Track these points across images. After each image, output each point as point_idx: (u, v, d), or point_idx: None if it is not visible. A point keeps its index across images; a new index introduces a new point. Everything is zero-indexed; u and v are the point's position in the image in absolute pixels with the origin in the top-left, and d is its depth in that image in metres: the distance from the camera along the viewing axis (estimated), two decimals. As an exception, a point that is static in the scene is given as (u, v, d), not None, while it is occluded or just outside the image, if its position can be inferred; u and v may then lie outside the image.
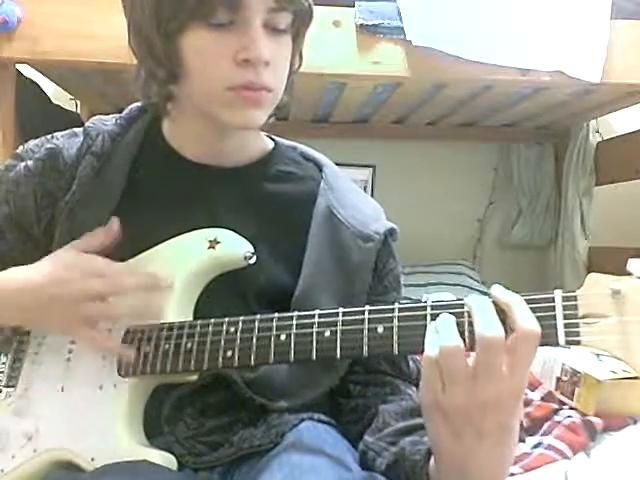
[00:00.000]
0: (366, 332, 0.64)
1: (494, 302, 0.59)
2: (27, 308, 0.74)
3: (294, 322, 0.67)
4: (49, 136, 0.85)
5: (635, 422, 1.14)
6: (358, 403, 0.80)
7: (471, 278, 2.37)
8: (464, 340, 0.58)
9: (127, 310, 0.73)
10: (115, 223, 0.78)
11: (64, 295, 0.71)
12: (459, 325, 0.59)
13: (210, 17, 0.72)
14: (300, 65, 0.85)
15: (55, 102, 2.08)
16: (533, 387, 1.25)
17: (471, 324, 0.58)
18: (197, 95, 0.77)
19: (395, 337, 0.62)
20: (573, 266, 2.33)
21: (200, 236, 0.77)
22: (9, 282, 0.75)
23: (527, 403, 1.17)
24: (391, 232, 0.84)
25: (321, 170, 0.88)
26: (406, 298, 0.89)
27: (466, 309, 0.60)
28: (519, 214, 2.58)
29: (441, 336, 0.58)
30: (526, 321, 0.56)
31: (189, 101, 0.79)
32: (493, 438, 0.59)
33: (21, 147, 0.86)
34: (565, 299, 0.57)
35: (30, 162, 0.82)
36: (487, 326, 0.56)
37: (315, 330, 0.65)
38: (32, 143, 0.86)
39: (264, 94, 0.75)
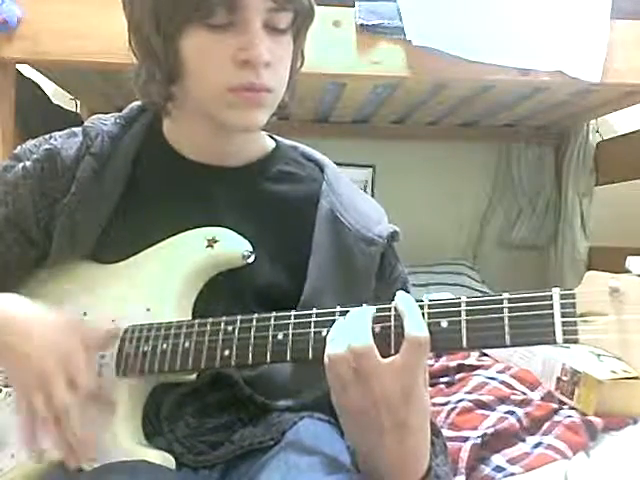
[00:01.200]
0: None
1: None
2: (7, 347, 0.71)
3: (291, 321, 0.67)
4: (47, 136, 0.85)
5: (635, 422, 1.14)
6: None
7: (471, 278, 2.37)
8: (461, 338, 0.59)
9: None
10: (116, 330, 0.75)
11: (35, 368, 0.68)
12: (454, 322, 0.60)
13: (209, 18, 0.71)
14: (302, 65, 0.85)
15: (55, 102, 2.08)
16: (533, 387, 1.25)
17: (468, 321, 0.60)
18: (197, 96, 0.77)
19: (392, 336, 0.62)
20: (573, 266, 2.33)
21: (199, 235, 0.77)
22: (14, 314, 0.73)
23: (527, 403, 1.16)
24: (394, 235, 0.84)
25: (322, 171, 0.88)
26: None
27: (463, 307, 0.60)
28: (519, 214, 2.58)
29: (352, 335, 0.61)
30: (413, 328, 0.60)
31: (189, 101, 0.79)
32: (392, 435, 0.62)
33: (19, 147, 0.86)
34: (563, 297, 0.57)
35: (28, 163, 0.82)
36: (414, 326, 0.60)
37: (312, 330, 0.65)
38: (30, 143, 0.85)
39: (264, 95, 0.75)
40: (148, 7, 0.73)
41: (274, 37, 0.75)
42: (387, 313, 0.63)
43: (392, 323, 0.63)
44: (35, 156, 0.82)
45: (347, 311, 0.65)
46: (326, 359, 0.62)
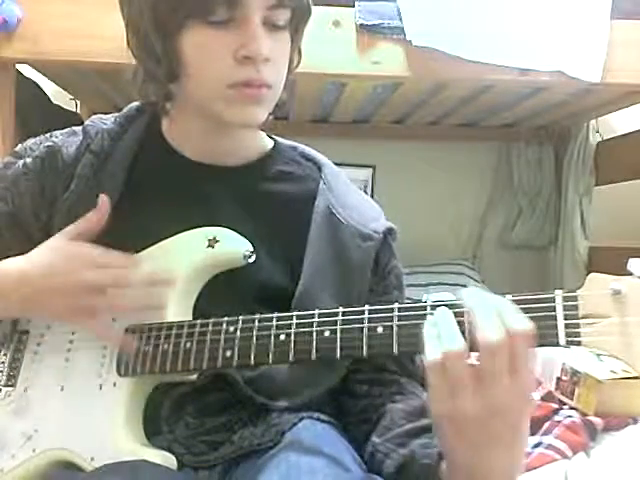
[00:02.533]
0: (366, 332, 0.63)
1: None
2: (27, 298, 0.74)
3: (294, 322, 0.67)
4: (48, 134, 0.86)
5: (635, 422, 1.14)
6: (365, 403, 0.80)
7: (471, 278, 2.36)
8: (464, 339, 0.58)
9: (129, 303, 0.72)
10: (104, 202, 0.77)
11: (65, 286, 0.71)
12: (459, 324, 0.58)
13: (209, 15, 0.72)
14: (299, 62, 0.85)
15: (55, 102, 2.08)
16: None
17: (471, 323, 0.58)
18: (197, 93, 0.77)
19: (395, 337, 0.62)
20: (573, 266, 2.33)
21: (199, 235, 0.77)
22: (6, 273, 0.75)
23: (527, 403, 1.17)
24: (390, 231, 0.84)
25: (320, 170, 0.88)
26: (406, 298, 0.89)
27: (465, 309, 0.59)
28: (519, 214, 2.58)
29: (443, 339, 0.56)
30: (519, 323, 0.55)
31: (188, 100, 0.79)
32: (505, 441, 0.58)
33: (20, 145, 0.86)
34: (566, 299, 0.57)
35: (29, 160, 0.82)
36: (491, 330, 0.55)
37: (315, 330, 0.65)
38: (31, 141, 0.86)
39: (264, 91, 0.75)
40: (147, 5, 0.73)
41: (273, 34, 0.75)
42: (389, 314, 0.63)
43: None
44: (36, 153, 0.83)
45: (349, 312, 0.65)
46: (438, 357, 0.56)
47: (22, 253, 0.83)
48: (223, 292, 0.77)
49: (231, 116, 0.76)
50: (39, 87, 1.96)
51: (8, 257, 0.83)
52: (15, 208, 0.82)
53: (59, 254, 0.74)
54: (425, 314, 0.61)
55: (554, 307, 0.57)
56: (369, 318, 0.64)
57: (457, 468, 0.62)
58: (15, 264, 0.75)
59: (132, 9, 0.76)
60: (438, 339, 0.57)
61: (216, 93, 0.75)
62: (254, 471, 0.69)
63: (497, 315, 0.56)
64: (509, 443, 0.58)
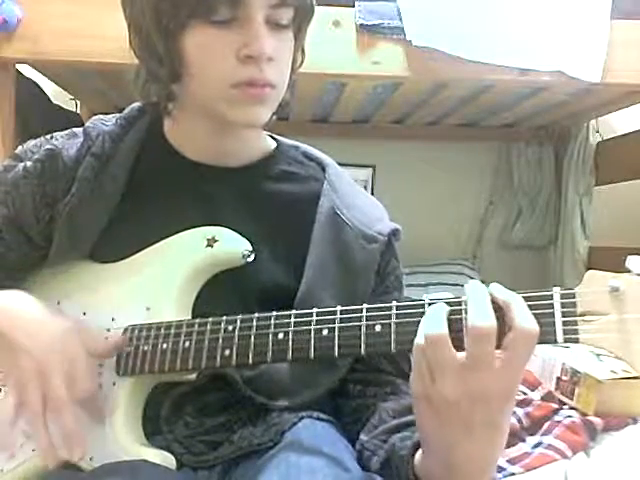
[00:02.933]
0: (364, 330, 0.63)
1: (492, 300, 0.57)
2: (10, 343, 0.71)
3: (292, 320, 0.67)
4: (49, 136, 0.85)
5: (635, 422, 1.14)
6: (358, 403, 0.80)
7: (471, 278, 2.36)
8: (462, 336, 0.58)
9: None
10: (115, 339, 0.74)
11: (37, 363, 0.68)
12: (457, 322, 0.58)
13: (211, 14, 0.71)
14: (302, 62, 0.85)
15: (55, 102, 2.08)
16: (533, 387, 1.25)
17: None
18: (200, 93, 0.77)
19: (393, 335, 0.62)
20: (573, 266, 2.33)
21: (198, 234, 0.77)
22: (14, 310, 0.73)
23: (527, 403, 1.17)
24: (395, 233, 0.84)
25: (324, 170, 0.88)
26: (406, 298, 0.89)
27: (464, 306, 0.59)
28: (519, 214, 2.58)
29: (426, 324, 0.57)
30: (524, 320, 0.55)
31: (191, 100, 0.79)
32: (481, 434, 0.57)
33: (20, 148, 0.86)
34: (563, 296, 0.57)
35: (29, 163, 0.82)
36: (479, 316, 0.55)
37: (313, 328, 0.65)
38: (31, 144, 0.85)
39: (268, 90, 0.75)
40: (149, 6, 0.73)
41: (276, 33, 0.75)
42: (387, 312, 0.63)
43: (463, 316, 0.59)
44: (36, 156, 0.82)
45: (347, 310, 0.65)
46: (422, 341, 0.57)
47: (22, 256, 0.83)
48: (225, 293, 0.77)
49: (234, 116, 0.76)
50: (39, 87, 1.96)
51: (8, 260, 0.83)
52: (15, 211, 0.82)
53: (58, 337, 0.71)
54: (423, 312, 0.61)
55: (552, 304, 0.57)
56: (367, 316, 0.64)
57: (434, 456, 0.62)
58: (22, 304, 0.74)
59: (134, 9, 0.76)
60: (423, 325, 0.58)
61: (219, 93, 0.75)
62: (254, 471, 0.69)
63: (488, 302, 0.56)
64: (488, 434, 0.58)
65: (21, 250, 0.83)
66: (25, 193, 0.81)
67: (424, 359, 0.57)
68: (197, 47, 0.74)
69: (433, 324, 0.57)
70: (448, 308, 0.59)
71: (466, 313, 0.58)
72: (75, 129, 0.85)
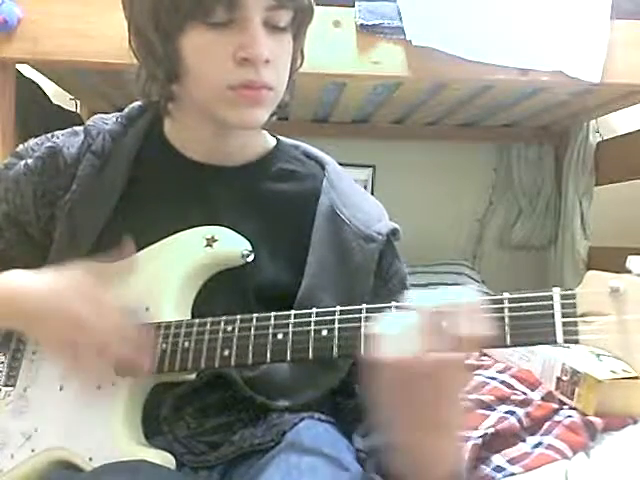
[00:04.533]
0: (363, 331, 0.63)
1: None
2: (29, 315, 0.72)
3: (291, 321, 0.67)
4: (49, 135, 0.85)
5: (635, 422, 1.14)
6: (358, 403, 0.80)
7: (471, 278, 2.36)
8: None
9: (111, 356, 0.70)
10: (130, 245, 0.75)
11: (60, 314, 0.69)
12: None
13: (208, 16, 0.71)
14: (302, 63, 0.85)
15: (55, 102, 2.08)
16: (533, 387, 1.25)
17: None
18: (198, 94, 0.77)
19: None
20: (573, 266, 2.33)
21: (198, 234, 0.77)
22: (19, 286, 0.74)
23: (527, 403, 1.16)
24: (394, 232, 0.84)
25: (324, 169, 0.88)
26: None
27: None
28: (519, 214, 2.58)
29: (402, 340, 0.58)
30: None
31: (190, 100, 0.79)
32: (443, 431, 0.61)
33: (21, 146, 0.86)
34: (563, 297, 0.57)
35: (30, 160, 0.82)
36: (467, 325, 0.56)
37: (312, 329, 0.65)
38: (32, 141, 0.86)
39: (264, 92, 0.75)
40: (148, 6, 0.73)
41: (274, 35, 0.75)
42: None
43: None
44: (37, 154, 0.82)
45: (346, 310, 0.65)
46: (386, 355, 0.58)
47: (23, 253, 0.83)
48: (224, 292, 0.78)
49: (231, 118, 0.76)
50: (39, 87, 1.96)
51: (9, 257, 0.83)
52: (16, 208, 0.82)
53: (69, 283, 0.71)
54: None
55: (552, 305, 0.57)
56: (366, 317, 0.64)
57: (403, 453, 0.65)
58: (27, 279, 0.74)
59: (133, 10, 0.76)
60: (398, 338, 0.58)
61: (216, 94, 0.75)
62: (254, 471, 0.69)
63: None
64: (448, 430, 0.61)
65: (22, 248, 0.84)
66: (26, 190, 0.81)
67: (392, 372, 0.58)
68: (194, 49, 0.74)
69: (410, 341, 0.57)
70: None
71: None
72: (76, 127, 0.86)
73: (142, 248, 0.79)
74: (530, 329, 0.57)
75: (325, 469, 0.65)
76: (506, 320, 0.58)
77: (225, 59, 0.73)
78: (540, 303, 0.57)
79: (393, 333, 0.59)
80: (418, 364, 0.56)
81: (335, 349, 0.64)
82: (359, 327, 0.64)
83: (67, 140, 0.83)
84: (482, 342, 0.57)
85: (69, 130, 0.86)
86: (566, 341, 0.56)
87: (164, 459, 0.69)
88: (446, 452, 0.63)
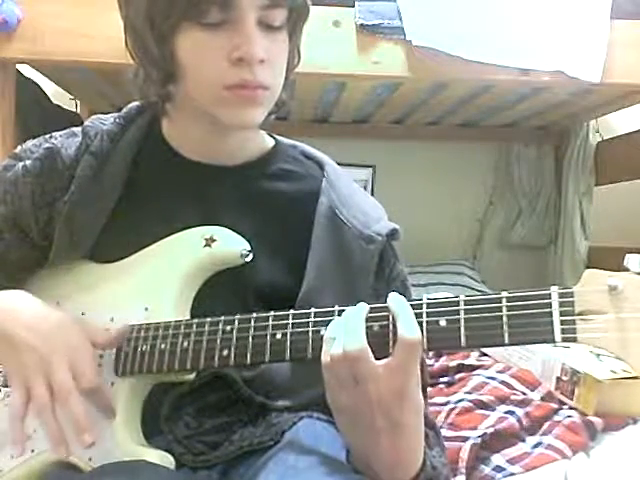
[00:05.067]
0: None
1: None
2: (12, 339, 0.71)
3: (290, 321, 0.67)
4: (47, 136, 0.85)
5: (635, 422, 1.14)
6: None
7: (471, 278, 2.37)
8: (460, 336, 0.59)
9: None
10: (115, 332, 0.74)
11: (40, 357, 0.69)
12: (453, 321, 0.60)
13: (202, 17, 0.71)
14: (298, 62, 0.84)
15: (55, 102, 2.08)
16: (533, 387, 1.25)
17: (467, 320, 0.59)
18: (194, 95, 0.77)
19: (391, 335, 0.62)
20: (573, 266, 2.33)
21: (196, 234, 0.77)
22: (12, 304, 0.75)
23: (527, 403, 1.16)
24: (393, 233, 0.84)
25: (322, 169, 0.88)
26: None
27: (462, 306, 0.60)
28: (519, 214, 2.58)
29: (346, 340, 0.61)
30: (407, 330, 0.60)
31: (187, 101, 0.79)
32: (387, 435, 0.62)
33: (19, 147, 0.86)
34: (561, 295, 0.57)
35: (28, 162, 0.82)
36: (407, 328, 0.60)
37: (311, 329, 0.65)
38: (30, 143, 0.86)
39: (260, 92, 0.75)
40: (143, 7, 0.73)
41: (269, 34, 0.74)
42: (386, 313, 0.63)
43: (390, 322, 0.63)
44: (35, 155, 0.82)
45: (344, 310, 0.65)
46: (323, 360, 0.62)
47: (22, 255, 0.83)
48: (223, 292, 0.77)
49: (228, 118, 0.76)
50: (39, 87, 1.96)
51: (8, 259, 0.83)
52: (15, 210, 0.82)
53: (60, 329, 0.72)
54: (421, 312, 0.62)
55: (550, 303, 0.57)
56: (366, 317, 0.64)
57: (353, 450, 0.68)
58: (22, 302, 0.75)
59: (129, 11, 0.76)
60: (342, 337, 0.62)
61: (212, 95, 0.75)
62: (253, 471, 0.69)
63: (412, 315, 0.62)
64: (390, 436, 0.62)
65: (22, 250, 0.83)
66: (24, 192, 0.81)
67: (346, 370, 0.61)
68: (189, 49, 0.74)
69: (353, 340, 0.61)
70: (363, 317, 0.63)
71: (465, 314, 0.60)
72: (74, 128, 0.86)
73: (141, 248, 0.79)
74: (528, 328, 0.57)
75: (323, 469, 0.65)
76: (504, 319, 0.58)
77: (220, 59, 0.73)
78: (538, 302, 0.57)
79: (331, 336, 0.62)
80: (346, 365, 0.60)
81: None
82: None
83: (65, 141, 0.83)
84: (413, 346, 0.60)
85: (67, 131, 0.85)
86: (564, 339, 0.56)
87: (163, 459, 0.69)
88: (405, 453, 0.64)
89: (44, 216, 0.81)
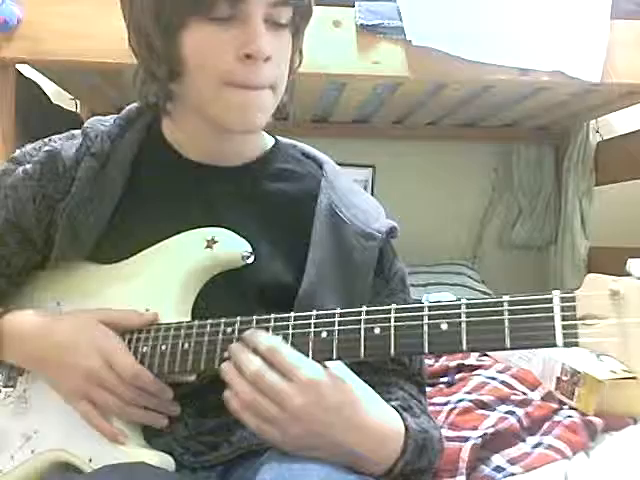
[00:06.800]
0: (363, 333, 0.63)
1: None
2: (41, 360, 0.76)
3: (291, 323, 0.67)
4: (47, 139, 0.85)
5: (635, 422, 1.14)
6: None
7: (471, 278, 2.37)
8: (461, 340, 0.59)
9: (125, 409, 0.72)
10: (153, 315, 0.76)
11: (75, 369, 0.72)
12: (454, 324, 0.59)
13: (211, 11, 0.71)
14: (300, 63, 0.85)
15: (55, 102, 2.08)
16: (533, 387, 1.25)
17: (468, 324, 0.59)
18: (196, 94, 0.77)
19: (392, 338, 0.62)
20: (573, 266, 2.33)
21: (198, 235, 0.77)
22: (31, 327, 0.77)
23: (527, 403, 1.16)
24: (392, 230, 0.84)
25: (321, 168, 0.88)
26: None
27: (463, 309, 0.60)
28: (519, 214, 2.58)
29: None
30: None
31: (188, 101, 0.79)
32: (304, 441, 0.66)
33: (19, 151, 0.86)
34: (563, 300, 0.57)
35: (29, 166, 0.82)
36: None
37: (312, 331, 0.65)
38: (30, 147, 0.85)
39: (265, 93, 0.75)
40: (149, 3, 0.73)
41: (275, 32, 0.74)
42: (385, 315, 0.63)
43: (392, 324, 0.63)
44: (35, 159, 0.82)
45: (345, 313, 0.65)
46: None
47: (27, 259, 0.83)
48: (225, 292, 0.77)
49: (230, 121, 0.76)
50: (39, 87, 1.96)
51: (13, 264, 0.83)
52: (16, 214, 0.82)
53: (83, 335, 0.73)
54: (422, 315, 0.61)
55: (552, 308, 0.57)
56: (366, 319, 0.64)
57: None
58: (39, 323, 0.77)
59: (134, 7, 0.76)
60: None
61: (213, 92, 0.74)
62: (251, 472, 0.69)
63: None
64: (324, 447, 0.66)
65: (24, 253, 0.83)
66: (25, 195, 0.81)
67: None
68: (196, 44, 0.73)
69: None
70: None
71: (466, 318, 0.60)
72: (74, 131, 0.85)
73: (142, 249, 0.79)
74: (530, 332, 0.57)
75: (319, 470, 0.65)
76: (506, 323, 0.58)
77: (227, 54, 0.72)
78: (540, 306, 0.57)
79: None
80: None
81: (335, 352, 0.64)
82: (359, 329, 0.64)
83: (65, 143, 0.83)
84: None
85: (67, 134, 0.85)
86: (566, 344, 0.55)
87: (162, 460, 0.69)
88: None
89: (46, 219, 0.81)
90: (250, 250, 0.75)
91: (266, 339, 0.66)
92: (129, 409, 0.71)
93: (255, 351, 0.65)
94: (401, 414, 0.71)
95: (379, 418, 0.69)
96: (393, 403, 0.74)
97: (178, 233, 0.78)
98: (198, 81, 0.75)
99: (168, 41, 0.74)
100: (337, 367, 0.67)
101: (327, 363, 0.66)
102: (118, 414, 0.72)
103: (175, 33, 0.74)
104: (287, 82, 0.80)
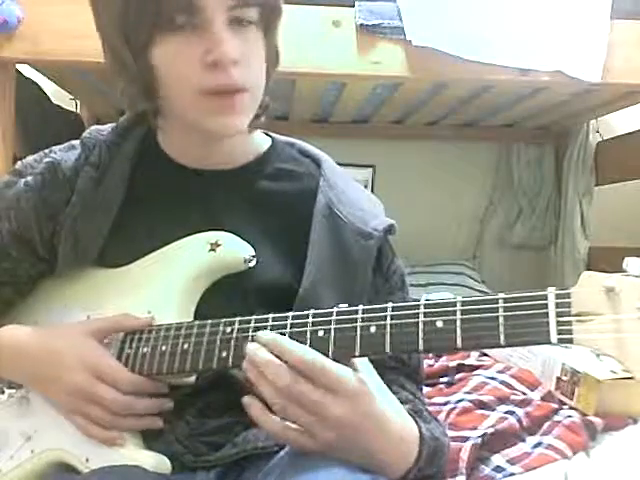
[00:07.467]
0: (359, 332, 0.63)
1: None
2: (30, 377, 0.76)
3: (289, 322, 0.67)
4: (47, 150, 0.86)
5: (635, 422, 1.14)
6: None
7: (471, 278, 2.37)
8: (456, 338, 0.59)
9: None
10: (149, 318, 0.76)
11: (66, 384, 0.72)
12: (449, 322, 0.60)
13: (171, 24, 0.71)
14: (278, 61, 0.83)
15: (55, 102, 2.08)
16: (533, 387, 1.25)
17: (463, 321, 0.59)
18: (175, 105, 0.77)
19: (387, 337, 0.62)
20: (573, 266, 2.33)
21: (201, 239, 0.77)
22: (25, 344, 0.77)
23: (527, 403, 1.16)
24: (390, 228, 0.84)
25: (319, 166, 0.88)
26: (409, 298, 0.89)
27: (459, 307, 0.60)
28: (519, 214, 2.58)
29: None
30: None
31: (172, 112, 0.79)
32: (333, 445, 0.64)
33: (20, 163, 0.87)
34: (558, 297, 0.56)
35: (30, 178, 0.83)
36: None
37: (309, 330, 0.65)
38: (31, 158, 0.86)
39: (239, 97, 0.74)
40: (114, 24, 0.74)
41: (241, 33, 0.73)
42: (382, 313, 0.63)
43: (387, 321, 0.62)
44: (36, 170, 0.83)
45: (343, 312, 0.65)
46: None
47: (31, 271, 0.84)
48: (226, 292, 0.77)
49: (211, 126, 0.76)
50: (39, 87, 1.96)
51: (16, 274, 0.84)
52: (19, 226, 0.82)
53: (68, 351, 0.73)
54: (418, 313, 0.61)
55: (546, 305, 0.56)
56: (362, 318, 0.64)
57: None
58: (28, 340, 0.77)
59: (105, 29, 0.77)
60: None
61: (190, 102, 0.74)
62: (254, 474, 0.69)
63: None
64: (349, 451, 0.65)
65: (29, 264, 0.84)
66: (27, 207, 0.82)
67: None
68: (163, 58, 0.73)
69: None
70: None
71: (461, 315, 0.60)
72: (73, 141, 0.86)
73: (144, 255, 0.79)
74: (524, 329, 0.57)
75: (323, 470, 0.64)
76: (500, 320, 0.58)
77: (192, 63, 0.72)
78: (535, 302, 0.57)
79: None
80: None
81: (331, 350, 0.64)
82: (355, 327, 0.64)
83: (64, 154, 0.83)
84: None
85: (66, 144, 0.86)
86: (560, 340, 0.55)
87: (159, 461, 0.69)
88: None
89: (48, 229, 0.81)
90: (253, 253, 0.76)
91: (296, 349, 0.63)
92: (123, 421, 0.71)
93: (278, 357, 0.64)
94: (416, 421, 0.70)
95: (399, 424, 0.68)
96: (405, 407, 0.73)
97: (179, 239, 0.78)
98: (174, 93, 0.75)
99: (139, 60, 0.74)
100: (363, 364, 0.66)
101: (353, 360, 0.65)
102: (113, 426, 0.71)
103: (144, 51, 0.73)
104: (267, 81, 0.79)
